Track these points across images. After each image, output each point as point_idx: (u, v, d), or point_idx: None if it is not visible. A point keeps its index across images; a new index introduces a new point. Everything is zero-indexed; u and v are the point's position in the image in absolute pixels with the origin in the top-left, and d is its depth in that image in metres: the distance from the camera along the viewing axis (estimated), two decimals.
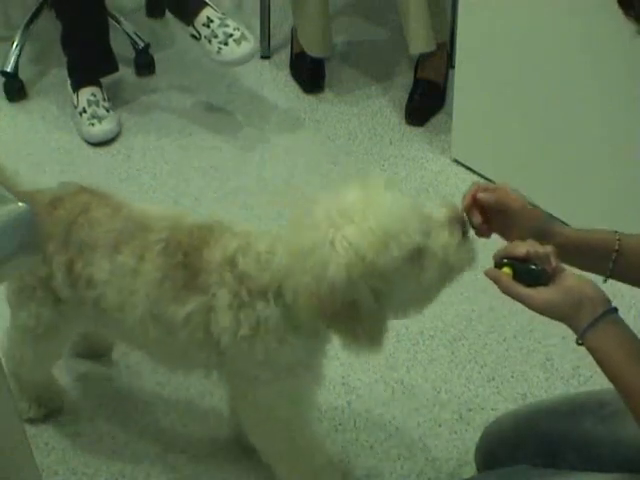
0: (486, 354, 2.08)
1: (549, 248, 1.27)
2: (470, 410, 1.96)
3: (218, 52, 2.54)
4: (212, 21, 2.55)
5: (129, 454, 1.89)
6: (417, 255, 1.34)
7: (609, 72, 2.09)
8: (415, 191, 2.51)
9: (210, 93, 2.89)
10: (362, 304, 1.34)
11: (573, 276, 1.25)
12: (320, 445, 1.75)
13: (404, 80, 2.87)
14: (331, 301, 1.33)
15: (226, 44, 2.53)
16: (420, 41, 2.62)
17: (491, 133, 2.46)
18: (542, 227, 1.37)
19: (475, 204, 1.37)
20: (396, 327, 2.14)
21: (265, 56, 3.02)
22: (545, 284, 1.24)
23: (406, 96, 2.79)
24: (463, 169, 2.57)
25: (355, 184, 1.38)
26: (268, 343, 1.47)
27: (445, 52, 2.79)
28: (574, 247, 1.36)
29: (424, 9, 2.56)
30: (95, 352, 2.05)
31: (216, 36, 2.54)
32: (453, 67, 2.55)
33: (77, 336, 1.98)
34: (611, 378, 1.21)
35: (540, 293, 1.24)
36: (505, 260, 1.28)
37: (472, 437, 1.84)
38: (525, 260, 1.26)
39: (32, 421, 1.92)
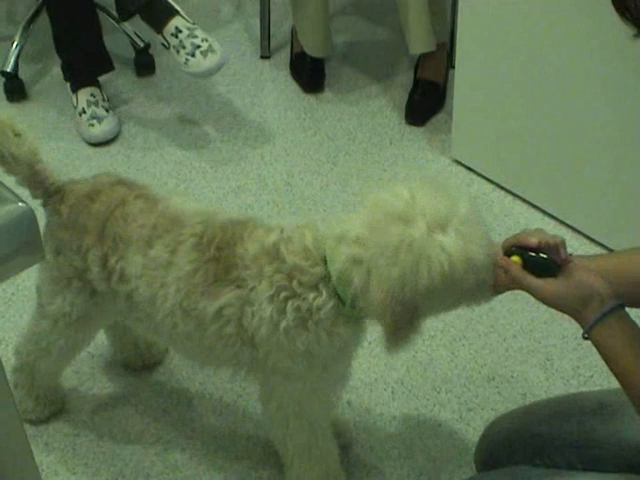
0: (486, 354, 2.08)
1: (559, 239, 1.26)
2: (470, 410, 1.96)
3: (185, 63, 2.51)
4: (180, 31, 2.52)
5: (129, 454, 1.89)
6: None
7: (609, 72, 2.09)
8: None
9: (210, 93, 2.89)
10: (422, 313, 1.38)
11: (582, 269, 1.24)
12: (335, 451, 1.74)
13: (404, 80, 2.87)
14: (403, 303, 1.34)
15: (193, 55, 2.49)
16: (420, 41, 2.62)
17: (491, 133, 2.46)
18: None
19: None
20: None
21: (265, 56, 3.02)
22: (554, 275, 1.24)
23: (406, 96, 2.79)
24: (463, 169, 2.57)
25: (441, 189, 1.37)
26: (316, 334, 1.47)
27: (445, 52, 2.79)
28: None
29: (424, 9, 2.56)
30: (146, 362, 2.03)
31: (184, 47, 2.50)
32: (453, 67, 2.55)
33: (129, 347, 1.99)
34: (617, 373, 1.21)
35: (549, 284, 1.23)
36: (514, 249, 1.27)
37: (472, 437, 1.84)
38: (535, 250, 1.25)
39: (32, 421, 1.92)
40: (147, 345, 2.00)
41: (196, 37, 2.51)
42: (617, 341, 1.20)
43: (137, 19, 2.81)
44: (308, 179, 2.57)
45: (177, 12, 2.56)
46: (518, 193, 2.47)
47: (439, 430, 1.92)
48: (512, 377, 2.03)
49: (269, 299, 1.47)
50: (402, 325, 1.38)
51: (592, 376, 2.01)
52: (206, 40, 2.51)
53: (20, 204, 0.90)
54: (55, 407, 1.94)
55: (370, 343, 2.10)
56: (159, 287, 1.55)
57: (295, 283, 1.46)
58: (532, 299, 1.31)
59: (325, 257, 1.44)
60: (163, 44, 2.57)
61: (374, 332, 2.12)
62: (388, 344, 1.43)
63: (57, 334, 1.74)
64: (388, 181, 2.55)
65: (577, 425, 1.47)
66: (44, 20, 2.91)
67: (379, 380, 2.03)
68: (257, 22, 2.99)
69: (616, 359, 1.21)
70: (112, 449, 1.90)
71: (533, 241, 1.26)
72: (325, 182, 2.56)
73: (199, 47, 2.50)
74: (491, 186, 2.51)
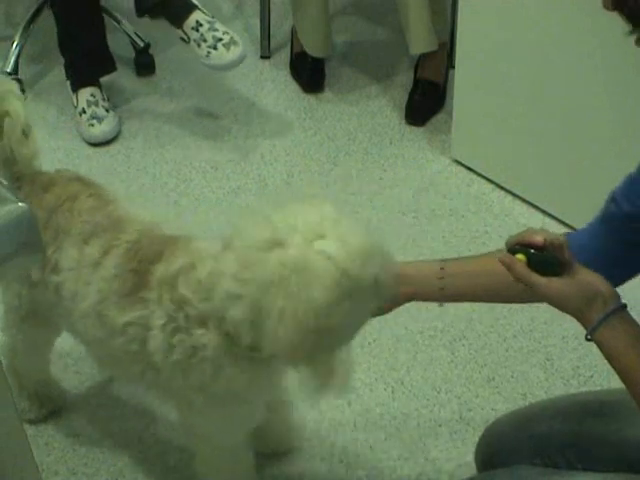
0: (486, 354, 2.08)
1: (563, 239, 1.26)
2: (470, 410, 1.96)
3: (207, 56, 2.53)
4: (201, 25, 2.53)
5: (129, 454, 1.89)
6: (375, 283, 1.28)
7: (610, 71, 2.09)
8: (415, 191, 2.51)
9: (210, 93, 2.89)
10: (340, 330, 1.29)
11: (585, 270, 1.24)
12: (247, 462, 1.71)
13: (404, 80, 2.87)
14: (312, 331, 1.25)
15: (215, 48, 2.52)
16: (420, 41, 2.61)
17: (491, 133, 2.46)
18: None
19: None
20: (396, 327, 2.14)
21: (265, 56, 3.02)
22: (558, 274, 1.23)
23: (406, 96, 2.79)
24: (463, 169, 2.57)
25: (302, 202, 1.32)
26: (204, 371, 1.42)
27: (445, 52, 2.79)
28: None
29: (424, 9, 2.56)
30: None
31: (205, 40, 2.52)
32: (453, 67, 2.55)
33: None
34: (619, 372, 1.21)
35: (554, 283, 1.22)
36: (518, 247, 1.27)
37: (472, 437, 1.84)
38: (539, 248, 1.24)
39: (32, 421, 1.92)
40: None
41: (217, 30, 2.53)
42: (620, 342, 1.20)
43: (137, 19, 2.81)
44: (308, 179, 2.57)
45: (196, 6, 2.58)
46: (518, 193, 2.47)
47: (439, 430, 1.92)
48: (512, 377, 2.03)
49: (161, 328, 1.43)
50: (322, 358, 1.31)
51: (592, 376, 2.00)
52: (227, 33, 2.54)
53: (20, 204, 0.90)
54: (53, 405, 1.93)
55: (370, 343, 2.11)
56: (83, 284, 1.54)
57: (182, 316, 1.40)
58: None
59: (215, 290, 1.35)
60: (183, 39, 2.58)
61: (374, 332, 2.13)
62: (315, 388, 1.35)
63: (15, 329, 1.76)
64: (388, 181, 2.56)
65: (577, 425, 1.47)
66: (44, 20, 2.92)
67: (379, 380, 2.03)
68: (257, 22, 2.99)
69: (619, 358, 1.20)
70: (112, 449, 1.90)
71: (538, 239, 1.24)
72: (325, 182, 2.56)
73: (221, 40, 2.52)
74: (491, 186, 2.51)
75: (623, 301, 1.23)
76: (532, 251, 1.24)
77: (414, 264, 1.51)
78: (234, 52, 2.53)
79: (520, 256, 1.24)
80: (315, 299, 1.23)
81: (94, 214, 1.58)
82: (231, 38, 2.53)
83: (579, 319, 1.23)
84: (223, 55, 2.53)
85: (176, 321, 1.41)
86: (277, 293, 1.24)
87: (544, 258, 1.23)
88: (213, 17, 2.58)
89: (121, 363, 1.56)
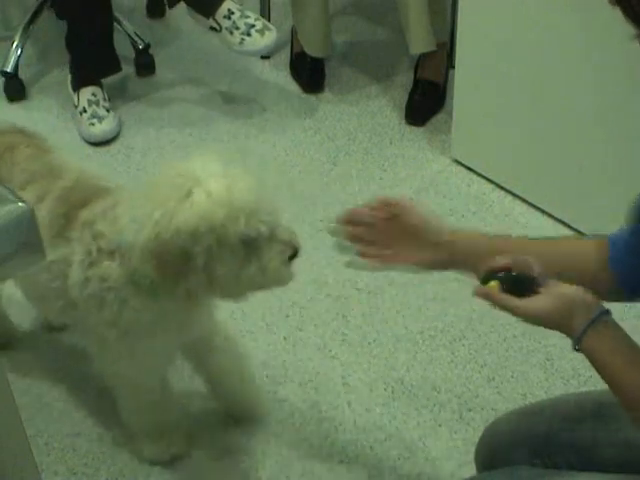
0: (486, 354, 2.08)
1: (529, 257, 1.27)
2: (470, 410, 1.96)
3: (241, 43, 2.57)
4: (233, 13, 2.57)
5: (129, 454, 1.89)
6: (252, 243, 1.42)
7: (610, 71, 2.09)
8: (415, 191, 2.51)
9: (210, 93, 2.89)
10: (195, 260, 1.39)
11: (561, 283, 1.24)
12: (167, 408, 1.80)
13: (404, 80, 2.87)
14: (172, 247, 1.37)
15: (249, 35, 2.56)
16: (420, 41, 2.62)
17: (491, 133, 2.46)
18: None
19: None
20: (396, 327, 2.14)
21: (265, 56, 3.02)
22: (532, 291, 1.24)
23: (406, 96, 2.79)
24: (463, 169, 2.57)
25: (214, 154, 1.46)
26: (111, 303, 1.51)
27: (445, 52, 2.79)
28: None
29: (424, 9, 2.56)
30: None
31: (237, 27, 2.56)
32: (453, 67, 2.55)
33: None
34: (608, 381, 1.21)
35: (532, 302, 1.23)
36: (488, 276, 1.27)
37: (472, 437, 1.83)
38: (507, 270, 1.25)
39: (32, 421, 1.92)
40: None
41: (249, 17, 2.58)
42: (606, 346, 1.20)
43: (137, 19, 2.82)
44: (308, 179, 2.57)
45: None
46: (518, 193, 2.47)
47: (439, 430, 1.92)
48: (512, 377, 2.03)
49: (79, 263, 1.53)
50: (175, 273, 1.41)
51: (592, 376, 2.00)
52: (259, 19, 2.59)
53: (20, 204, 0.90)
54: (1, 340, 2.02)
55: (370, 343, 2.11)
56: None
57: (95, 249, 1.50)
58: None
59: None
60: (213, 28, 2.61)
61: (373, 332, 2.13)
62: (166, 296, 1.46)
63: None
64: (388, 181, 2.56)
65: (577, 425, 1.47)
66: (44, 21, 2.92)
67: (379, 380, 2.03)
68: None
69: (606, 364, 1.20)
70: (112, 449, 1.90)
71: (503, 262, 1.26)
72: (325, 182, 2.56)
73: (254, 26, 2.56)
74: (491, 186, 2.51)
75: (606, 307, 1.23)
76: (501, 274, 1.25)
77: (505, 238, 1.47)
78: (268, 37, 2.58)
79: (492, 283, 1.25)
80: (178, 222, 1.37)
81: (32, 163, 1.67)
82: (264, 24, 2.58)
83: (564, 332, 1.23)
84: (257, 41, 2.57)
85: (91, 255, 1.51)
86: (151, 205, 1.39)
87: (514, 278, 1.25)
88: (242, 4, 2.61)
89: (46, 299, 1.66)
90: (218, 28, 2.59)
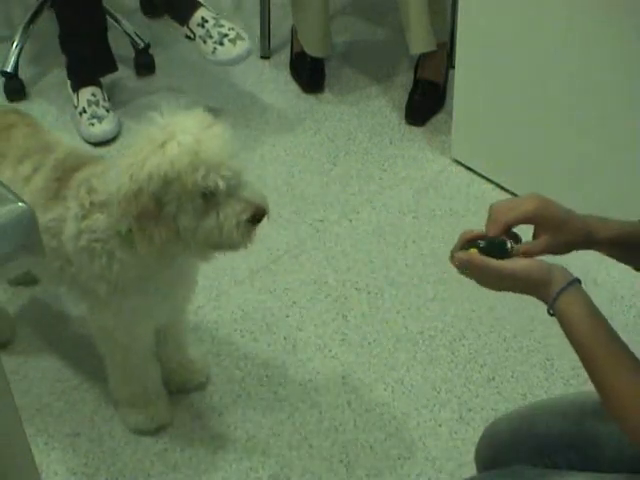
0: (486, 354, 2.08)
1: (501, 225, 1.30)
2: (470, 410, 1.96)
3: (213, 52, 2.54)
4: (207, 21, 2.55)
5: (129, 454, 1.89)
6: (210, 198, 1.48)
7: (610, 71, 2.09)
8: (415, 191, 2.51)
9: (210, 93, 2.89)
10: (166, 207, 1.47)
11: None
12: (154, 374, 1.87)
13: (404, 80, 2.87)
14: (144, 189, 1.46)
15: (221, 44, 2.53)
16: (420, 41, 2.62)
17: (491, 133, 2.46)
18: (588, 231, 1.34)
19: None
20: (396, 327, 2.14)
21: (265, 56, 3.02)
22: (511, 254, 1.26)
23: (406, 96, 2.79)
24: (463, 169, 2.57)
25: (197, 113, 1.53)
26: (100, 255, 1.60)
27: (445, 52, 2.79)
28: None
29: (424, 9, 2.56)
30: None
31: (211, 36, 2.54)
32: (453, 67, 2.55)
33: None
34: (575, 344, 1.22)
35: (511, 262, 1.25)
36: (467, 244, 1.29)
37: (472, 437, 1.84)
38: (482, 237, 1.29)
39: (32, 421, 1.92)
40: None
41: (222, 26, 2.55)
42: (578, 309, 1.22)
43: (137, 19, 2.82)
44: (308, 179, 2.57)
45: (201, 3, 2.60)
46: (518, 193, 2.46)
47: (439, 430, 1.92)
48: (512, 377, 2.03)
49: (74, 217, 1.61)
50: (149, 225, 1.48)
51: None
52: (232, 29, 2.56)
53: (20, 204, 0.90)
54: (1, 337, 2.06)
55: (370, 343, 2.11)
56: None
57: (88, 202, 1.59)
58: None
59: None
60: (188, 36, 2.60)
61: (373, 332, 2.13)
62: (138, 243, 1.52)
63: None
64: (388, 181, 2.56)
65: (577, 425, 1.47)
66: (44, 21, 2.92)
67: (379, 380, 2.03)
68: (257, 22, 2.99)
69: (575, 327, 1.22)
70: (112, 449, 1.90)
71: (477, 231, 1.30)
72: (325, 182, 2.56)
73: (227, 35, 2.54)
74: (491, 186, 2.51)
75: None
76: (478, 242, 1.27)
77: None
78: (241, 47, 2.55)
79: (472, 250, 1.27)
80: (151, 167, 1.45)
81: (28, 140, 1.76)
82: (237, 33, 2.55)
83: (541, 293, 1.24)
84: (230, 50, 2.54)
85: (84, 208, 1.59)
86: (133, 161, 1.48)
87: (492, 240, 1.27)
88: (218, 13, 2.59)
89: (45, 261, 1.68)
90: (192, 36, 2.58)
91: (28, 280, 2.17)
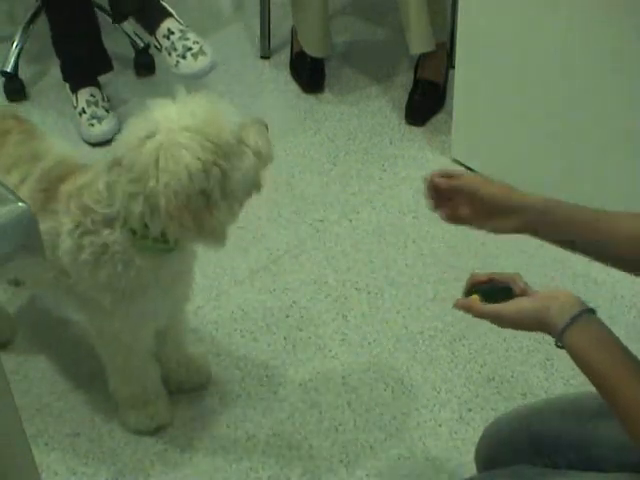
0: (486, 354, 2.08)
1: (514, 273, 1.30)
2: (470, 410, 1.96)
3: (176, 65, 2.53)
4: (173, 33, 2.53)
5: (129, 454, 1.89)
6: (240, 138, 1.57)
7: (610, 71, 2.09)
8: (415, 191, 2.51)
9: (209, 93, 2.88)
10: (212, 191, 1.50)
11: (542, 291, 1.26)
12: (154, 374, 1.89)
13: (404, 80, 2.87)
14: (189, 192, 1.47)
15: (184, 57, 2.51)
16: (420, 41, 2.62)
17: (491, 133, 2.46)
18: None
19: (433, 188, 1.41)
20: (396, 327, 2.14)
21: (265, 56, 3.02)
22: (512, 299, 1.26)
23: (406, 96, 2.79)
24: (463, 169, 2.57)
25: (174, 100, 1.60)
26: (114, 266, 1.60)
27: (445, 52, 2.79)
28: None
29: (424, 9, 2.56)
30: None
31: (175, 49, 2.52)
32: (453, 67, 2.55)
33: None
34: (591, 378, 1.21)
35: (509, 304, 1.25)
36: (471, 289, 1.31)
37: (472, 437, 1.84)
38: (487, 282, 1.30)
39: (32, 421, 1.92)
40: None
41: (187, 39, 2.52)
42: (587, 343, 1.19)
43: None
44: (308, 179, 2.57)
45: (170, 14, 2.56)
46: None
47: (439, 430, 1.92)
48: (512, 377, 2.03)
49: (69, 233, 1.62)
50: (202, 216, 1.51)
51: None
52: (197, 42, 2.52)
53: (20, 204, 0.90)
54: (2, 337, 2.06)
55: (370, 343, 2.11)
56: None
57: (89, 220, 1.60)
58: None
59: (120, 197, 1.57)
60: (155, 46, 2.59)
61: (374, 332, 2.13)
62: (199, 238, 1.56)
63: None
64: (387, 180, 2.56)
65: (577, 425, 1.47)
66: (44, 21, 2.91)
67: (379, 380, 2.03)
68: (257, 22, 2.99)
69: (588, 362, 1.20)
70: (112, 449, 1.90)
71: (482, 276, 1.31)
72: (325, 182, 2.56)
73: (190, 49, 2.51)
74: None
75: (590, 306, 1.23)
76: (483, 287, 1.30)
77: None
78: (202, 61, 2.51)
79: (474, 296, 1.30)
80: (185, 166, 1.46)
81: (19, 148, 1.76)
82: (200, 48, 2.52)
83: (546, 329, 1.23)
84: (191, 64, 2.51)
85: (84, 225, 1.61)
86: (155, 173, 1.47)
87: (493, 287, 1.29)
88: (187, 26, 2.56)
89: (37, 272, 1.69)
90: (159, 47, 2.56)
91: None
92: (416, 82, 2.78)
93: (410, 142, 2.69)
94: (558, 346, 1.22)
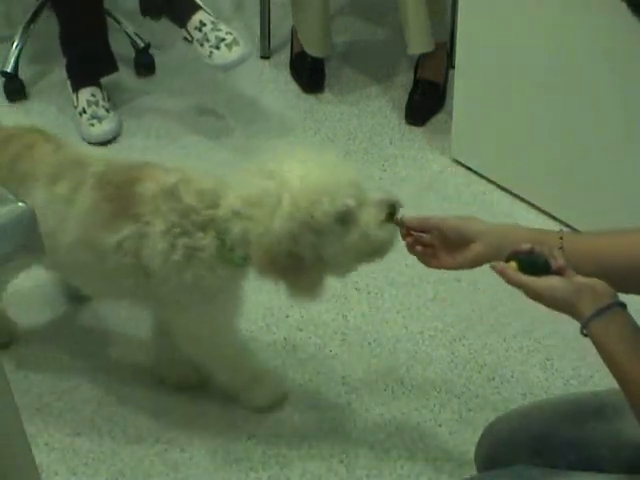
0: (486, 354, 2.08)
1: (555, 248, 1.29)
2: (470, 410, 1.96)
3: (210, 56, 2.54)
4: (205, 25, 2.55)
5: (129, 454, 1.89)
6: (345, 218, 1.51)
7: (610, 71, 2.09)
8: (415, 191, 2.51)
9: (210, 93, 2.89)
10: (303, 255, 1.51)
11: (580, 275, 1.25)
12: (252, 359, 1.95)
13: (404, 80, 2.87)
14: (277, 252, 1.50)
15: (218, 48, 2.53)
16: (420, 41, 2.62)
17: (491, 133, 2.46)
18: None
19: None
20: (396, 327, 2.14)
21: (265, 56, 3.02)
22: (549, 275, 1.26)
23: (406, 96, 2.79)
24: (463, 169, 2.57)
25: (308, 150, 1.58)
26: (199, 270, 1.62)
27: (445, 52, 2.79)
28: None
29: (424, 9, 2.56)
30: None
31: (208, 40, 2.53)
32: (453, 67, 2.55)
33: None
34: (613, 370, 1.21)
35: (542, 280, 1.25)
36: (511, 255, 1.30)
37: (472, 437, 1.83)
38: (528, 253, 1.29)
39: (32, 421, 1.92)
40: None
41: (220, 30, 2.54)
42: (614, 334, 1.20)
43: (137, 19, 2.82)
44: None
45: (200, 6, 2.59)
46: (518, 193, 2.47)
47: (439, 430, 1.92)
48: (512, 377, 2.03)
49: (162, 234, 1.61)
50: (292, 275, 1.54)
51: (592, 376, 2.01)
52: (230, 33, 2.55)
53: (20, 204, 0.90)
54: (1, 339, 2.07)
55: (370, 343, 2.11)
56: (59, 222, 1.68)
57: (187, 222, 1.61)
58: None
59: (219, 203, 1.60)
60: (186, 38, 2.60)
61: (374, 332, 2.13)
62: (296, 296, 1.60)
63: None
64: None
65: (577, 425, 1.47)
66: (44, 21, 2.92)
67: (379, 380, 2.03)
68: (257, 22, 2.99)
69: (612, 353, 1.20)
70: (112, 449, 1.90)
71: (525, 246, 1.29)
72: None
73: (223, 40, 2.53)
74: (491, 186, 2.51)
75: (619, 299, 1.23)
76: (521, 256, 1.29)
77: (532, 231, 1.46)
78: (236, 52, 2.54)
79: (512, 263, 1.29)
80: (275, 228, 1.49)
81: (54, 157, 1.75)
82: (234, 38, 2.54)
83: (572, 313, 1.24)
84: (225, 55, 2.53)
85: (181, 227, 1.61)
86: (255, 218, 1.52)
87: (532, 259, 1.28)
88: (217, 17, 2.59)
89: (114, 281, 1.72)
90: (190, 39, 2.58)
91: (84, 296, 2.15)
92: (416, 82, 2.78)
93: (410, 142, 2.69)
94: (583, 334, 1.22)
